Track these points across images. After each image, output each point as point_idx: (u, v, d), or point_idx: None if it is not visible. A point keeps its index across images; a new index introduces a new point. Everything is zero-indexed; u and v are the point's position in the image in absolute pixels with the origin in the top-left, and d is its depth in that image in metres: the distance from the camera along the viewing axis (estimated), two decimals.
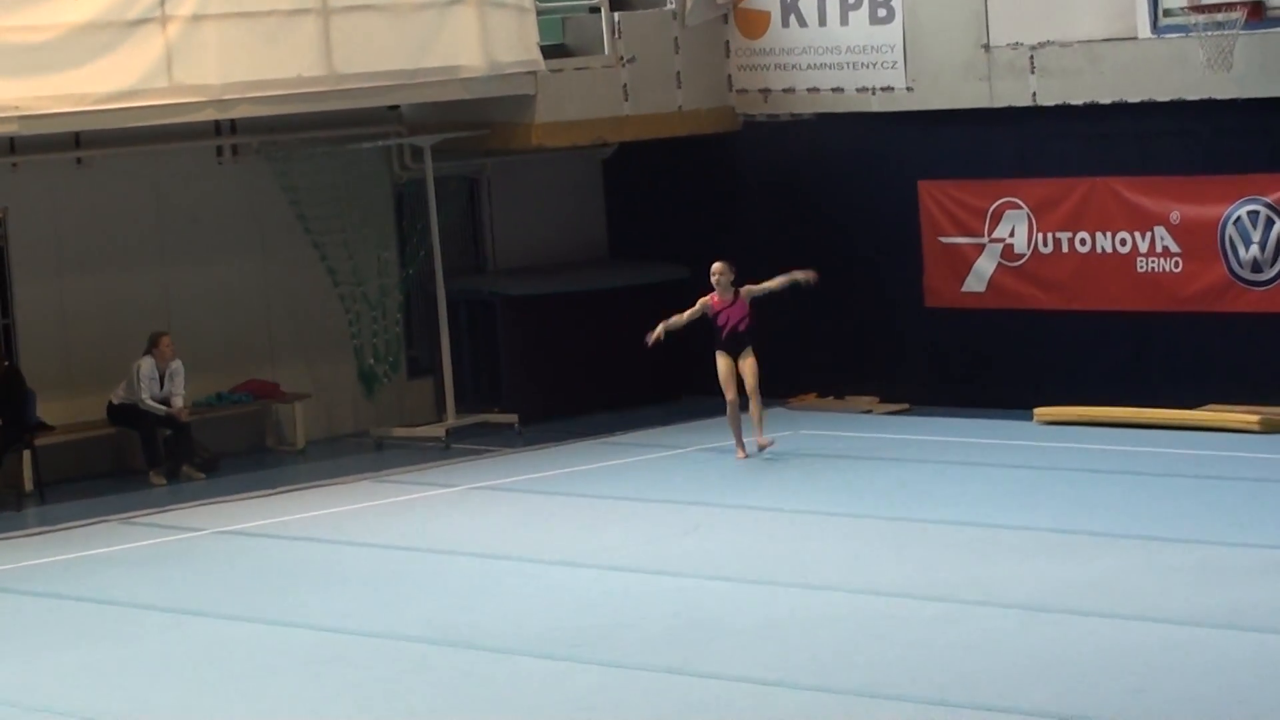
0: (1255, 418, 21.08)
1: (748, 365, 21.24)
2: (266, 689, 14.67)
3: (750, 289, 21.43)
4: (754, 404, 21.21)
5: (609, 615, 15.70)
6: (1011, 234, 22.97)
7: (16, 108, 20.70)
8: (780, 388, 23.99)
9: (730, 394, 21.22)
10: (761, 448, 21.27)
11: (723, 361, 21.27)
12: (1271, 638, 14.21)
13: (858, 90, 23.74)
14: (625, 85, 24.28)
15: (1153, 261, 22.11)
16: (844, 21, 23.83)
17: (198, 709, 14.23)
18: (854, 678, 13.95)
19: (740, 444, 21.32)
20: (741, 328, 21.35)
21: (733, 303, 21.26)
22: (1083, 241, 22.52)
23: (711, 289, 21.46)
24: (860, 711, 13.29)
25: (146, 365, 22.36)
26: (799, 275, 21.72)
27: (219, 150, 23.64)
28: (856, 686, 13.74)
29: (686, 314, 21.49)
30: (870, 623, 15.38)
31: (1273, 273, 21.40)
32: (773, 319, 24.34)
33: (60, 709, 14.38)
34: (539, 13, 23.66)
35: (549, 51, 23.76)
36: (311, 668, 15.16)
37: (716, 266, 21.37)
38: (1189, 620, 14.75)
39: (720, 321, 21.35)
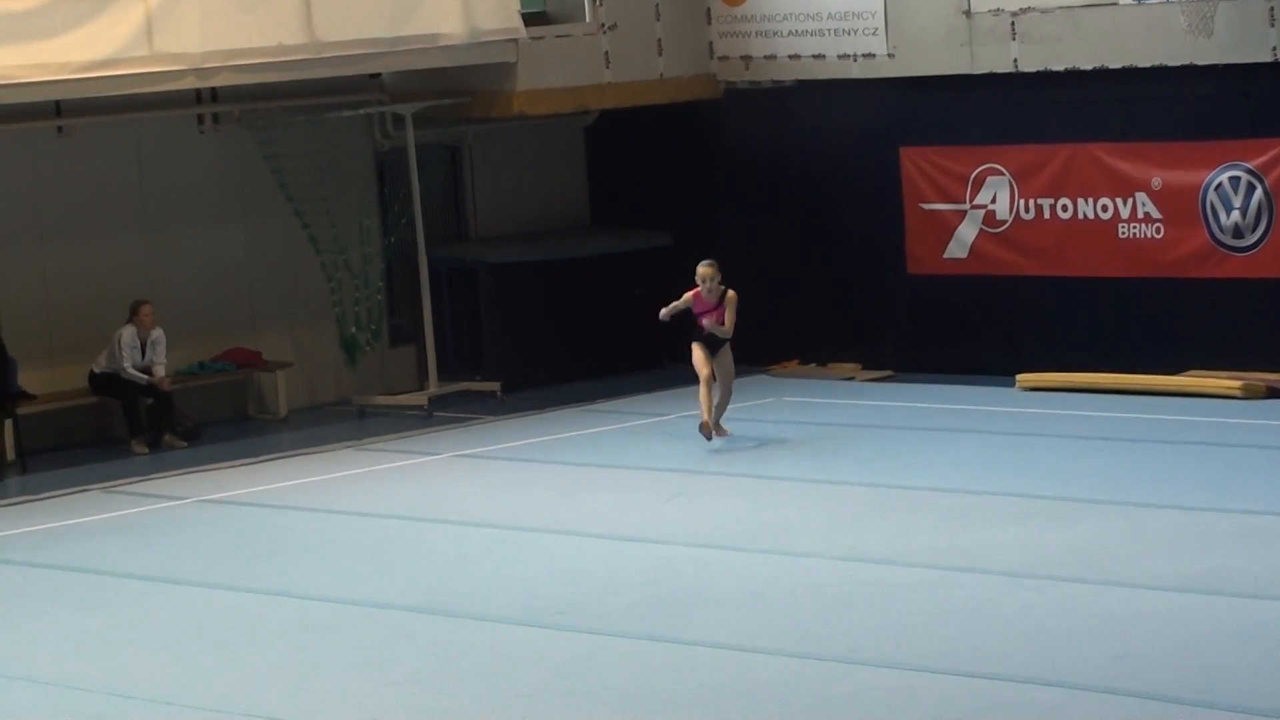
0: (1237, 383, 21.15)
1: (723, 365, 20.58)
2: (249, 657, 14.71)
3: (733, 298, 20.49)
4: (722, 396, 20.68)
5: (591, 582, 15.74)
6: (993, 200, 23.02)
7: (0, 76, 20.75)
8: (762, 355, 24.10)
9: (704, 372, 20.44)
10: (718, 434, 20.62)
11: (698, 351, 20.53)
12: (1252, 603, 14.29)
13: (839, 57, 23.75)
14: (606, 53, 24.30)
15: (1134, 228, 22.15)
16: None
17: (180, 677, 14.26)
18: (836, 644, 14.00)
19: (708, 412, 20.39)
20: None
21: (716, 305, 20.45)
22: (1064, 208, 22.57)
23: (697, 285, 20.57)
24: (842, 678, 13.33)
25: (128, 334, 22.38)
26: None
27: (200, 119, 23.64)
28: (838, 653, 13.79)
29: (678, 303, 20.79)
30: (852, 589, 15.44)
31: (1254, 238, 21.45)
32: (755, 285, 24.41)
33: (42, 677, 14.43)
34: None
35: (530, 19, 23.82)
36: (294, 636, 15.21)
37: (703, 270, 20.57)
38: (1170, 586, 14.83)
39: (701, 319, 20.60)
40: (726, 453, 20.35)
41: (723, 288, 20.39)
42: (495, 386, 23.97)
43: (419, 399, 23.75)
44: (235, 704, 13.63)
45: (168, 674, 14.36)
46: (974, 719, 12.41)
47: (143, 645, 15.14)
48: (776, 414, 22.14)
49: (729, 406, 20.71)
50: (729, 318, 20.30)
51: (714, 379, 20.44)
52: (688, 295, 20.54)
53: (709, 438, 20.40)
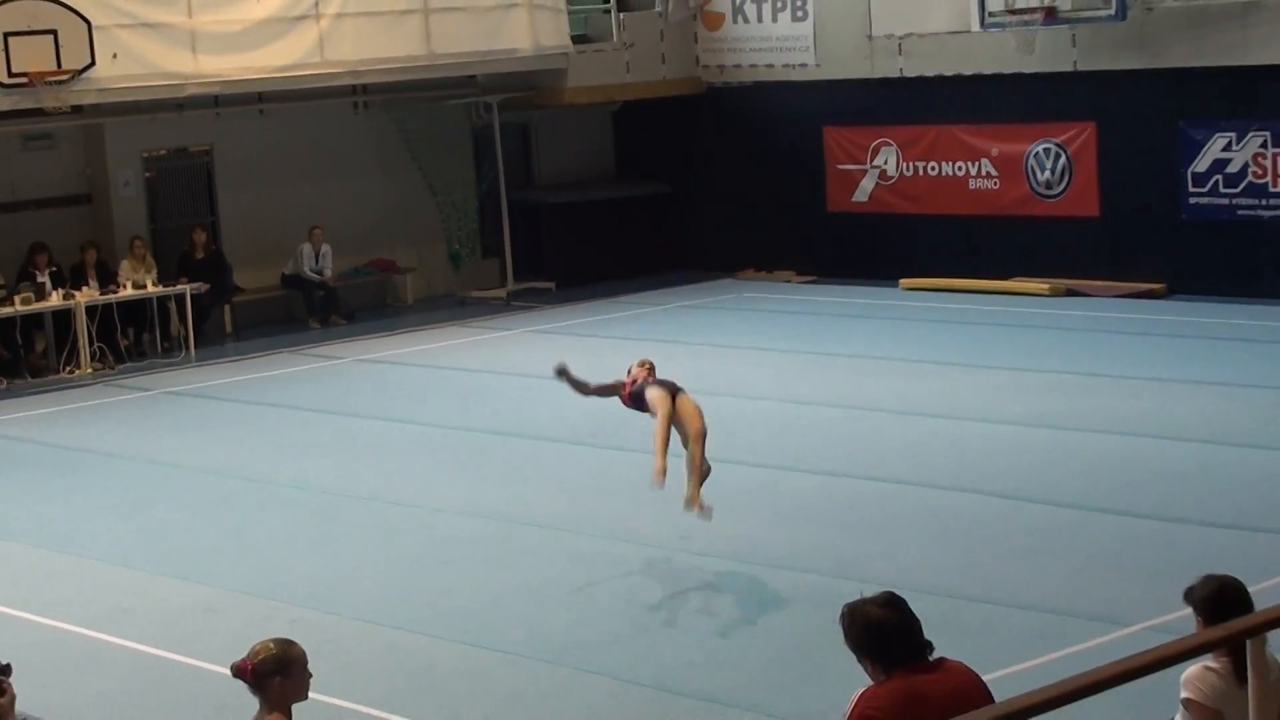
0: (1046, 286, 21.18)
1: (689, 402, 11.27)
2: (388, 463, 14.87)
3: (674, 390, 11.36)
4: (696, 448, 11.09)
5: (614, 415, 15.87)
6: (886, 163, 23.01)
7: (220, 76, 20.74)
8: (729, 264, 24.19)
9: (665, 407, 11.14)
10: (699, 508, 11.06)
11: (656, 389, 11.35)
12: (1054, 433, 14.43)
13: (783, 66, 23.71)
14: (627, 62, 24.27)
15: (979, 182, 22.17)
16: (774, 19, 23.75)
17: (341, 477, 14.44)
18: (779, 457, 14.16)
19: (663, 453, 11.00)
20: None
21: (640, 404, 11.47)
22: (933, 168, 22.58)
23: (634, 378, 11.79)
24: (785, 481, 13.48)
25: (306, 248, 22.46)
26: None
27: (354, 105, 23.62)
28: (780, 462, 13.96)
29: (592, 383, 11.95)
30: (788, 421, 15.56)
31: (1059, 189, 21.48)
32: (725, 218, 24.50)
33: (247, 475, 14.62)
34: (569, 12, 23.60)
35: (576, 39, 23.75)
36: (417, 448, 15.37)
37: (639, 368, 11.74)
38: (1000, 420, 14.97)
39: (626, 391, 11.62)
40: (708, 330, 20.20)
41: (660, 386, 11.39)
42: (550, 285, 24.01)
43: (500, 292, 23.77)
44: (383, 494, 13.85)
45: (334, 474, 14.56)
46: (858, 504, 12.60)
47: (314, 455, 15.31)
48: (739, 304, 22.17)
49: (706, 465, 11.34)
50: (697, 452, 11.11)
51: (678, 423, 11.25)
52: (615, 382, 11.80)
53: (662, 487, 11.09)
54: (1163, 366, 16.70)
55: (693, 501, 11.07)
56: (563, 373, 11.75)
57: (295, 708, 6.02)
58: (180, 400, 18.26)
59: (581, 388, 11.86)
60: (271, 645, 6.11)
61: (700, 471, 11.13)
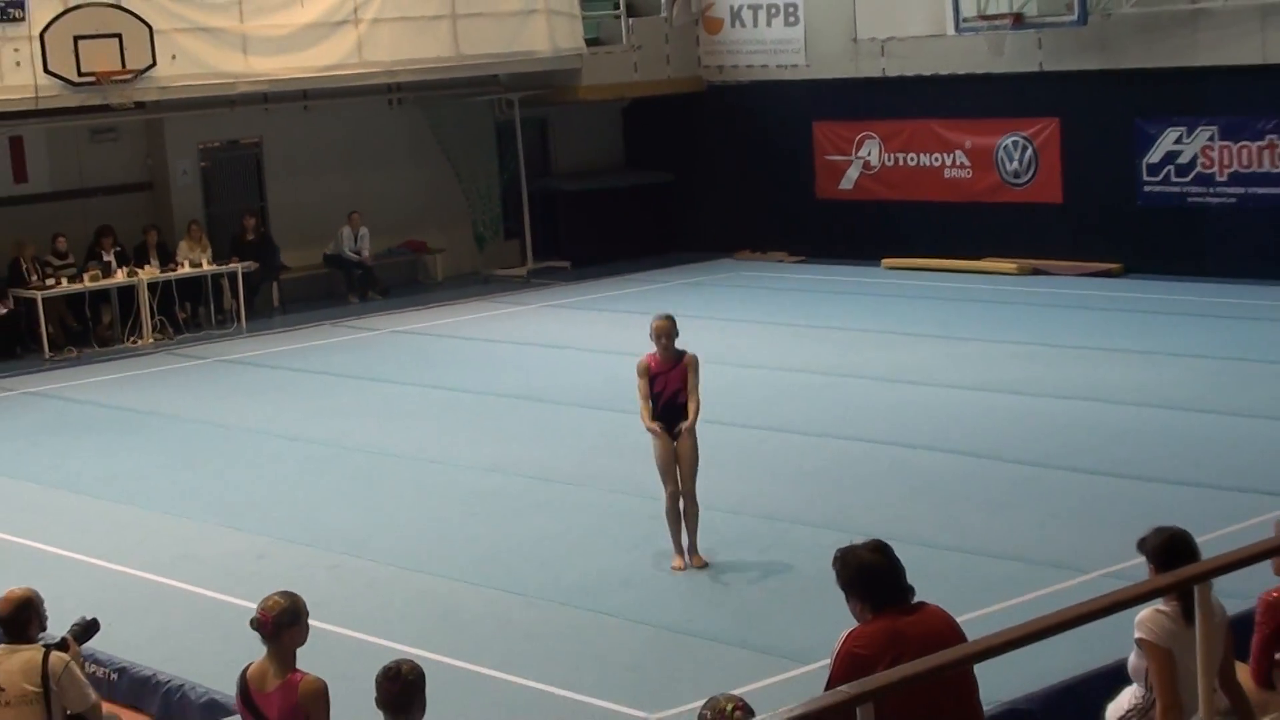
0: (1014, 265, 21.14)
1: (685, 451, 10.34)
2: (419, 425, 14.86)
3: (692, 361, 10.45)
4: (688, 504, 10.37)
5: (624, 381, 15.84)
6: (869, 154, 22.93)
7: (268, 75, 20.68)
8: (728, 245, 24.12)
9: (670, 485, 10.40)
10: (698, 565, 10.38)
11: (659, 444, 10.35)
12: (1021, 398, 14.39)
13: (777, 66, 23.63)
14: (635, 63, 24.17)
15: (954, 171, 22.10)
16: (768, 24, 23.65)
17: (378, 435, 14.45)
18: (772, 419, 14.14)
19: (679, 550, 10.39)
20: (680, 399, 10.38)
21: (673, 367, 10.43)
22: (912, 159, 22.50)
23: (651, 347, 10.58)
24: (777, 441, 13.46)
25: (345, 230, 22.42)
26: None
27: (389, 102, 23.56)
28: (773, 424, 13.93)
29: (642, 401, 10.44)
30: (780, 387, 15.52)
31: (1026, 179, 21.39)
32: (723, 204, 24.44)
33: (290, 434, 14.61)
34: (583, 18, 23.51)
35: (589, 42, 23.64)
36: (444, 411, 15.36)
37: (658, 324, 10.50)
38: (974, 387, 14.92)
39: (657, 388, 10.41)
40: (705, 304, 20.09)
41: (680, 350, 10.48)
42: (566, 264, 23.97)
43: (520, 271, 23.74)
44: (414, 453, 13.83)
45: (371, 434, 14.55)
46: (844, 462, 12.60)
47: (352, 417, 15.29)
48: (734, 282, 22.11)
49: (698, 517, 10.47)
50: (692, 401, 10.37)
51: (678, 476, 10.40)
52: (640, 366, 10.48)
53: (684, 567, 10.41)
54: (1119, 338, 16.65)
55: (692, 554, 10.34)
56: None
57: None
58: (232, 367, 18.27)
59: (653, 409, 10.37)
60: (281, 599, 6.09)
61: (694, 525, 10.34)
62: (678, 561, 10.38)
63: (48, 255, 20.09)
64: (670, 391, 10.38)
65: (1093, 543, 10.18)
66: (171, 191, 21.84)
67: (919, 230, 22.34)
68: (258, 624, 6.03)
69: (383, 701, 5.59)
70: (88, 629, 7.44)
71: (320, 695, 5.99)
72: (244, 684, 6.09)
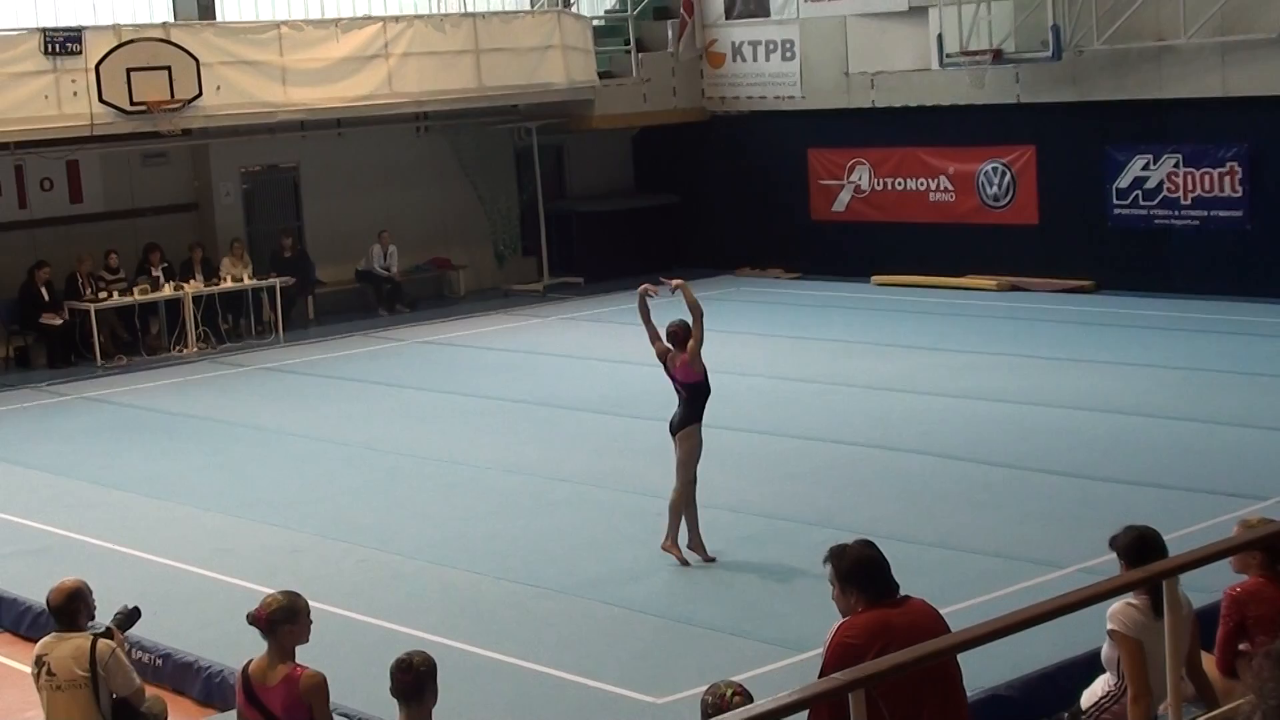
0: (994, 282, 21.10)
1: (681, 447, 10.11)
2: (443, 429, 14.83)
3: (691, 347, 10.52)
4: (689, 511, 10.12)
5: (634, 388, 15.87)
6: (860, 179, 22.90)
7: (305, 105, 20.67)
8: (728, 264, 24.08)
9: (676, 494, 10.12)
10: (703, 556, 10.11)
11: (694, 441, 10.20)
12: (1000, 405, 14.36)
13: (775, 98, 23.60)
14: (644, 94, 24.14)
15: (938, 195, 22.06)
16: (767, 59, 23.63)
17: (404, 439, 14.41)
18: (768, 424, 14.09)
19: (693, 534, 10.10)
20: (684, 394, 10.31)
21: (681, 350, 10.44)
22: (899, 183, 22.47)
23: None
24: (773, 444, 13.41)
25: (376, 248, 22.40)
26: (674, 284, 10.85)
27: (417, 129, 23.54)
28: (769, 429, 13.88)
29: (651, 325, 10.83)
30: (776, 394, 15.47)
31: (1005, 202, 21.33)
32: (726, 226, 24.41)
33: (321, 436, 14.57)
34: (596, 53, 23.50)
35: (601, 75, 23.62)
36: (467, 416, 15.33)
37: (672, 328, 10.71)
38: (957, 395, 14.88)
39: (669, 364, 10.51)
40: (710, 316, 20.17)
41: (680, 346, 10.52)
42: (580, 280, 23.94)
43: (538, 286, 23.72)
44: (439, 455, 13.80)
45: (398, 436, 14.52)
46: (835, 464, 12.55)
47: (381, 421, 15.28)
48: (738, 296, 22.13)
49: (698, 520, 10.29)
50: (695, 330, 10.52)
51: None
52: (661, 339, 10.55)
53: (706, 558, 10.10)
54: (1091, 350, 16.61)
55: (699, 548, 10.19)
56: (645, 294, 10.60)
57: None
58: (271, 374, 18.26)
59: (646, 315, 10.63)
60: (281, 597, 5.99)
61: (691, 518, 10.14)
62: (702, 554, 10.19)
63: (101, 270, 20.12)
64: (676, 383, 10.42)
65: (1068, 540, 10.13)
66: (215, 211, 21.86)
67: (906, 249, 22.30)
68: (253, 619, 5.93)
69: (396, 690, 5.52)
70: (130, 617, 7.40)
71: (320, 688, 5.92)
72: (246, 679, 5.99)
